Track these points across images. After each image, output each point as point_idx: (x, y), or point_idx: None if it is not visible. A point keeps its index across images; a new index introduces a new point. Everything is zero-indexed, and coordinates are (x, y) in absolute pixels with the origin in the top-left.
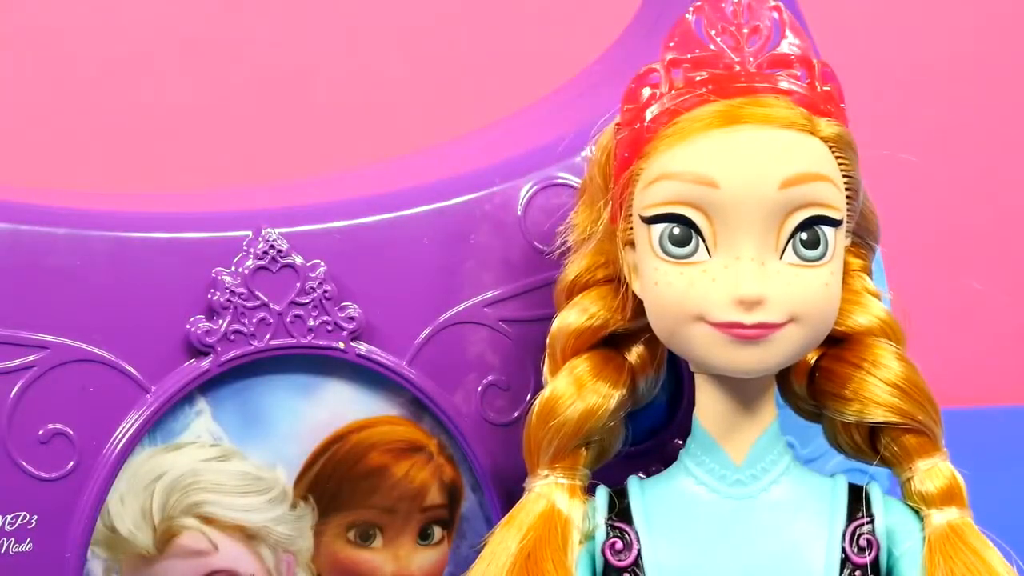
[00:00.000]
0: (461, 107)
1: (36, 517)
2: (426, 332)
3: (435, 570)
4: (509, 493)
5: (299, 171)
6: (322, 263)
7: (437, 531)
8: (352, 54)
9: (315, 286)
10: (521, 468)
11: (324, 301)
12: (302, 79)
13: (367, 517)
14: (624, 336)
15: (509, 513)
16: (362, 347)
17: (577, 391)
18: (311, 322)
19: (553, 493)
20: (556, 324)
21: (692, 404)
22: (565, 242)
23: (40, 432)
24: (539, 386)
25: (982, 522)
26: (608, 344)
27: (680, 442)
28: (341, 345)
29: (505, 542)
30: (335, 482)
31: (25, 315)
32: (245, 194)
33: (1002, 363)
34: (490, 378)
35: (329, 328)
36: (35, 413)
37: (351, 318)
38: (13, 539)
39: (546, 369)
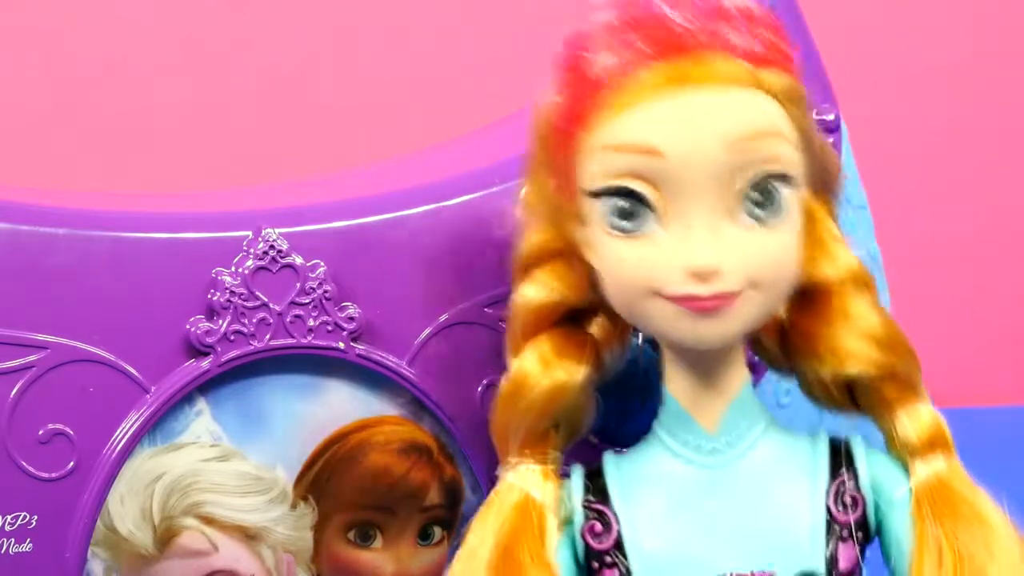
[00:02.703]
0: (461, 107)
1: (36, 517)
2: (426, 332)
3: (435, 570)
4: None
5: (299, 171)
6: (322, 263)
7: (437, 531)
8: (352, 54)
9: (315, 286)
10: None
11: (324, 301)
12: (302, 79)
13: (367, 517)
14: (585, 309)
15: (483, 506)
16: (362, 347)
17: (543, 369)
18: (311, 322)
19: (526, 481)
20: (515, 302)
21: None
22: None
23: (40, 432)
24: None
25: None
26: (569, 319)
27: None
28: (341, 345)
29: (481, 537)
30: (335, 482)
31: (25, 315)
32: (245, 194)
33: (1002, 363)
34: (490, 378)
35: (329, 328)
36: (35, 413)
37: (351, 318)
38: (13, 539)
39: (508, 350)
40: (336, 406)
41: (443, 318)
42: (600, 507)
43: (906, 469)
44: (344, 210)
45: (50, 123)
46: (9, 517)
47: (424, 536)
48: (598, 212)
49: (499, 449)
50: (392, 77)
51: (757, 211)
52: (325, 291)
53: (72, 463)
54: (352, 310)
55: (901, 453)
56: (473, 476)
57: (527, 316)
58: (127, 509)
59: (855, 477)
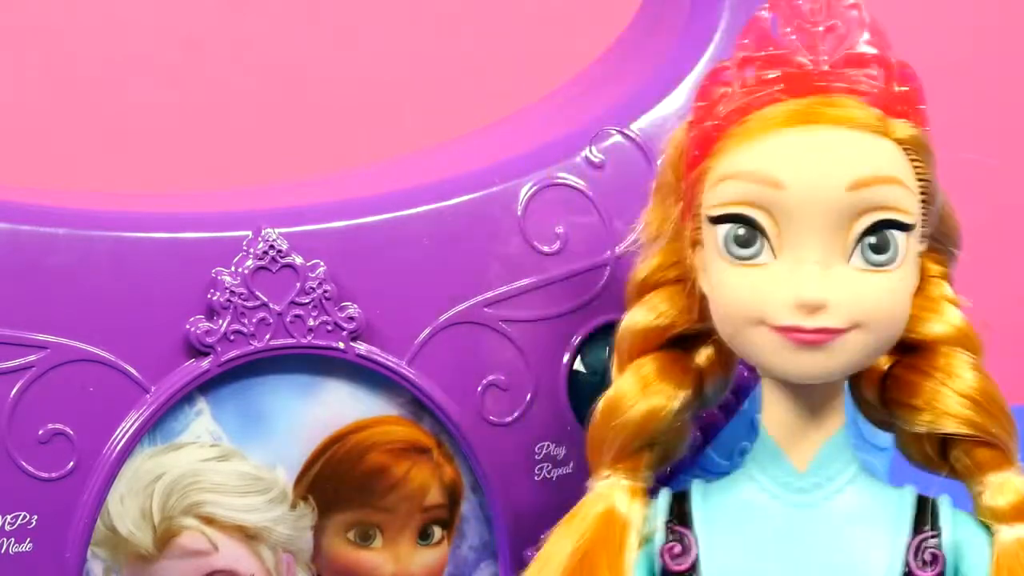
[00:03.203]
0: (461, 107)
1: (36, 517)
2: (426, 332)
3: (435, 570)
4: (509, 493)
5: (299, 171)
6: (322, 263)
7: (437, 531)
8: (352, 54)
9: (315, 286)
10: (521, 468)
11: (324, 301)
12: (302, 79)
13: (367, 517)
14: (693, 337)
15: (569, 513)
16: (362, 347)
17: (641, 391)
18: (311, 322)
19: (614, 494)
20: (624, 323)
21: None
22: (566, 242)
23: (40, 432)
24: (539, 386)
25: None
26: (677, 345)
27: None
28: (341, 345)
29: (561, 542)
30: (335, 482)
31: (25, 315)
32: (245, 194)
33: (1002, 363)
34: (490, 378)
35: (329, 328)
36: (35, 413)
37: (351, 318)
38: (13, 539)
39: (614, 368)
40: (336, 406)
41: (443, 318)
42: (682, 530)
43: (991, 533)
44: (344, 210)
45: (50, 123)
46: (9, 517)
47: (424, 536)
48: (715, 238)
49: (591, 461)
50: (392, 77)
51: (871, 255)
52: (325, 291)
53: (72, 463)
54: (352, 310)
55: (987, 517)
56: (473, 476)
57: (634, 337)
58: (127, 509)
59: (938, 535)
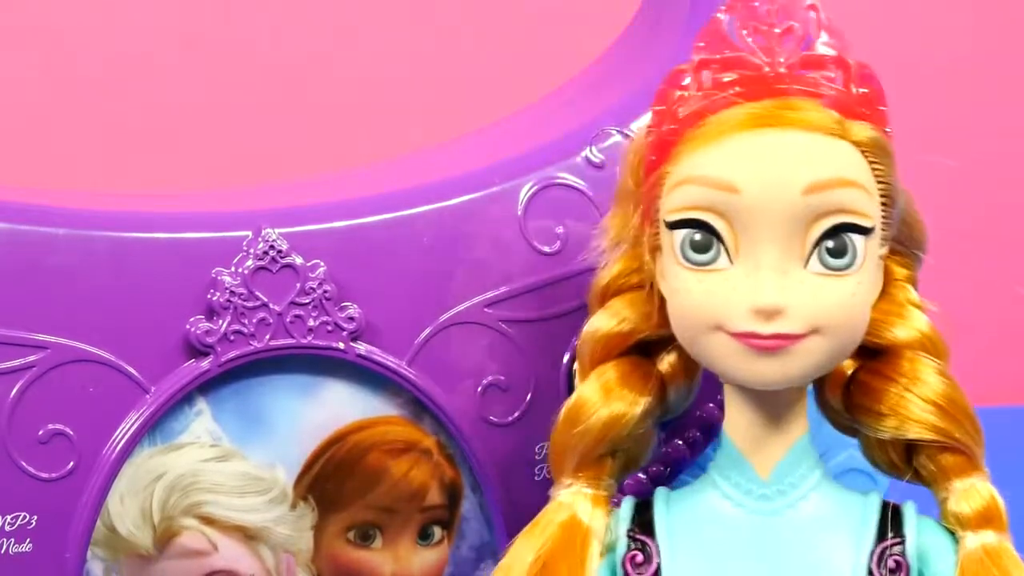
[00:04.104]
0: (461, 107)
1: (36, 517)
2: (426, 332)
3: (435, 570)
4: (509, 493)
5: (299, 171)
6: (322, 263)
7: (437, 531)
8: (353, 54)
9: (315, 286)
10: (521, 468)
11: (324, 301)
12: (302, 79)
13: (367, 517)
14: (656, 343)
15: (531, 522)
16: (362, 347)
17: (603, 397)
18: (311, 322)
19: (576, 502)
20: (586, 329)
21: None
22: (566, 242)
23: (40, 432)
24: (539, 386)
25: None
26: (640, 351)
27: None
28: (341, 345)
29: (522, 552)
30: (335, 482)
31: (25, 315)
32: (245, 194)
33: (1002, 363)
34: (490, 378)
35: (329, 328)
36: (35, 413)
37: (351, 318)
38: (13, 539)
39: (576, 375)
40: (336, 406)
41: (443, 318)
42: (644, 538)
43: (956, 540)
44: (344, 210)
45: (50, 123)
46: (9, 517)
47: (424, 536)
48: (673, 243)
49: (553, 469)
50: (392, 77)
51: (829, 259)
52: (325, 291)
53: (72, 463)
54: (352, 310)
55: (952, 523)
56: (473, 476)
57: (596, 344)
58: (127, 509)
59: (902, 542)
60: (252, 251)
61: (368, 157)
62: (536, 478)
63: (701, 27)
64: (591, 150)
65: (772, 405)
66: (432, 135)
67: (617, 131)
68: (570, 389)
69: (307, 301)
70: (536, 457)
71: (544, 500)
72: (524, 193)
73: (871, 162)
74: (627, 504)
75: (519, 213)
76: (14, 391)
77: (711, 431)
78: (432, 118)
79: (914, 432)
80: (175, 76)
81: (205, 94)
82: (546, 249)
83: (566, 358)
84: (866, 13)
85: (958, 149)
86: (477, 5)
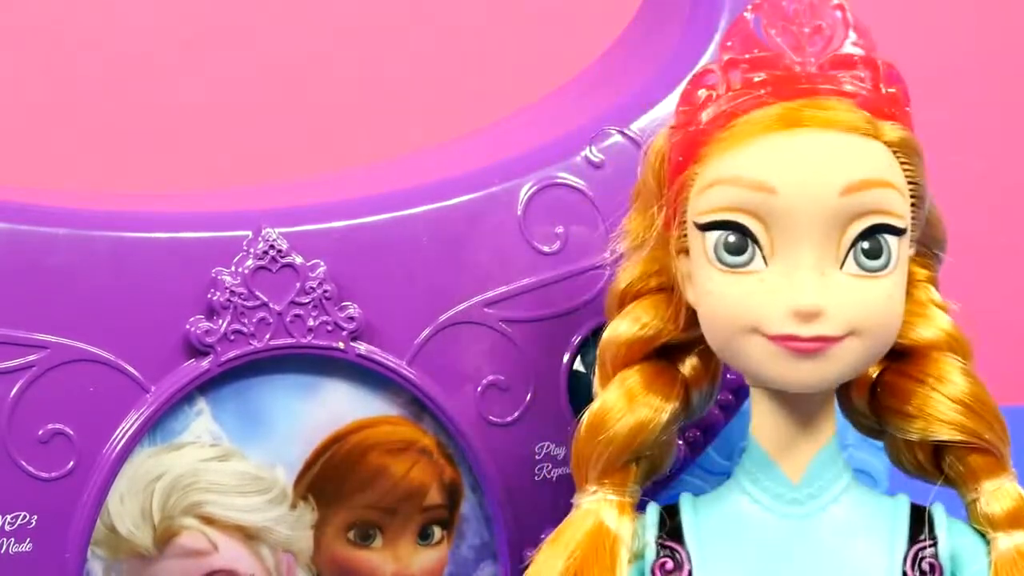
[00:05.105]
0: (461, 107)
1: (36, 517)
2: (426, 332)
3: (435, 570)
4: (509, 493)
5: (299, 171)
6: (322, 263)
7: (437, 531)
8: (353, 54)
9: (315, 286)
10: (521, 468)
11: (324, 301)
12: (302, 79)
13: (367, 517)
14: (677, 347)
15: (556, 530)
16: (362, 347)
17: (628, 404)
18: (311, 322)
19: (602, 510)
20: (607, 334)
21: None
22: (566, 242)
23: (40, 432)
24: (539, 386)
25: None
26: (661, 355)
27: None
28: (341, 345)
29: (551, 561)
30: (335, 482)
31: (25, 315)
32: (245, 194)
33: (1002, 363)
34: (490, 378)
35: (329, 328)
36: (35, 413)
37: (351, 318)
38: (13, 539)
39: (596, 381)
40: (336, 406)
41: (443, 318)
42: (673, 545)
43: (986, 541)
44: (344, 210)
45: (50, 123)
46: (9, 517)
47: (424, 536)
48: (705, 245)
49: (576, 476)
50: (392, 77)
51: (865, 260)
52: (325, 291)
53: (72, 463)
54: (352, 310)
55: (983, 525)
56: (473, 476)
57: (618, 349)
58: (127, 509)
59: (935, 544)
60: (252, 251)
61: (368, 157)
62: (536, 478)
63: (701, 27)
64: (591, 150)
65: (802, 408)
66: (432, 135)
67: (617, 131)
68: (570, 389)
69: (307, 301)
70: (536, 457)
71: (544, 500)
72: (524, 193)
73: (902, 162)
74: (653, 510)
75: (519, 213)
76: (14, 391)
77: (711, 431)
78: (432, 118)
79: (944, 433)
80: (175, 76)
81: (205, 94)
82: (546, 249)
83: (566, 358)
84: (873, 14)
85: (958, 149)
86: (477, 5)
